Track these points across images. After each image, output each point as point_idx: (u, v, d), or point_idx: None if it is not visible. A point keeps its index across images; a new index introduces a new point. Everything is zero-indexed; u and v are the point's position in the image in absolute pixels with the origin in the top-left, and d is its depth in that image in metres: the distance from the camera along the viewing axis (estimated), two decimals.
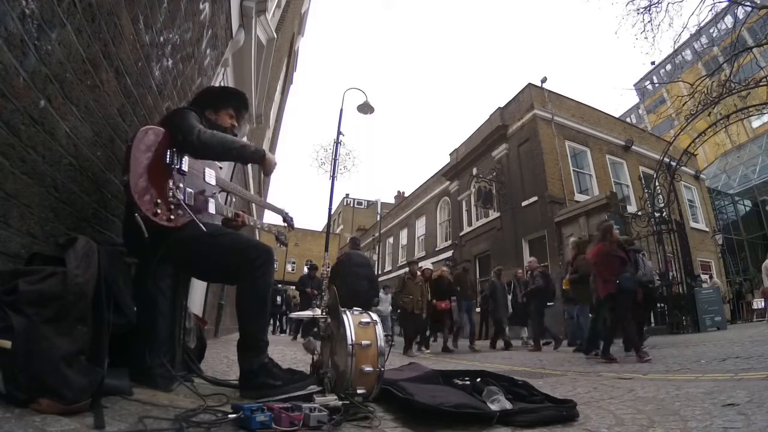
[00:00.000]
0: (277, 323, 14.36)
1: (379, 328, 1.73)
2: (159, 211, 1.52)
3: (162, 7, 1.98)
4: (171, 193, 1.57)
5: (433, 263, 9.28)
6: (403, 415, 1.46)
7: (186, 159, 1.66)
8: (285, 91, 11.16)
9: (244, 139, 5.58)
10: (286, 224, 2.32)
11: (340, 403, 1.40)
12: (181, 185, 1.63)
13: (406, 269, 7.32)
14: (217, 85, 3.53)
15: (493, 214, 14.15)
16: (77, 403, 1.01)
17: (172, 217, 1.55)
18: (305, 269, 10.17)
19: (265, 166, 1.79)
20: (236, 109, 1.98)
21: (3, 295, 1.00)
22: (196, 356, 2.05)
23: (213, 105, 1.90)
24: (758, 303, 12.29)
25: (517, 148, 13.47)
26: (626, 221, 9.97)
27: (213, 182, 1.86)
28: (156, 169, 1.56)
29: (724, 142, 19.86)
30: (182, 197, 1.60)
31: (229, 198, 3.57)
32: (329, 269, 8.01)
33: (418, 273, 6.99)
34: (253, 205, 6.66)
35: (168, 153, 1.61)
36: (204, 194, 1.79)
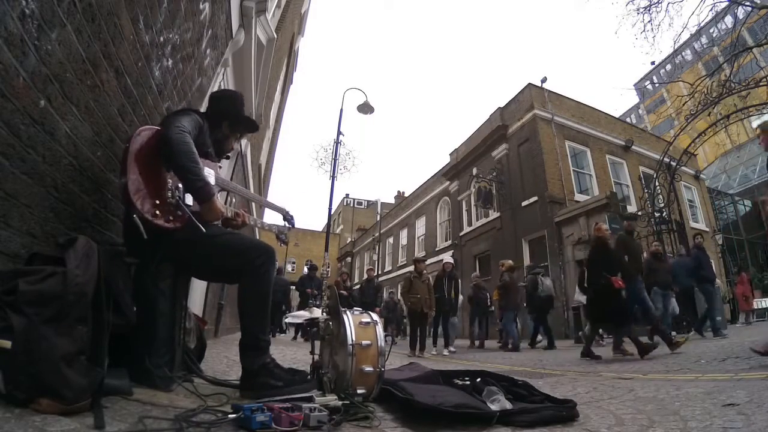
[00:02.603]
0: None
1: (379, 328, 1.73)
2: (158, 212, 1.51)
3: (162, 7, 1.98)
4: (169, 194, 1.57)
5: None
6: (403, 415, 1.46)
7: None
8: (285, 91, 11.16)
9: (243, 141, 5.57)
10: (286, 223, 2.32)
11: (340, 403, 1.40)
12: (180, 185, 1.63)
13: (411, 267, 7.30)
14: (222, 88, 3.55)
15: (493, 214, 14.15)
16: (77, 403, 1.01)
17: (171, 218, 1.55)
18: (305, 269, 10.17)
19: (204, 208, 1.58)
20: (242, 135, 2.10)
21: (3, 295, 1.00)
22: (196, 356, 2.05)
23: (235, 124, 1.97)
24: (758, 303, 12.30)
25: (517, 148, 13.47)
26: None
27: (212, 181, 1.85)
28: (154, 169, 1.55)
29: (724, 142, 19.86)
30: (180, 197, 1.60)
31: (229, 197, 3.56)
32: (329, 269, 8.35)
33: (424, 270, 6.93)
34: (253, 203, 6.65)
35: None
36: None
